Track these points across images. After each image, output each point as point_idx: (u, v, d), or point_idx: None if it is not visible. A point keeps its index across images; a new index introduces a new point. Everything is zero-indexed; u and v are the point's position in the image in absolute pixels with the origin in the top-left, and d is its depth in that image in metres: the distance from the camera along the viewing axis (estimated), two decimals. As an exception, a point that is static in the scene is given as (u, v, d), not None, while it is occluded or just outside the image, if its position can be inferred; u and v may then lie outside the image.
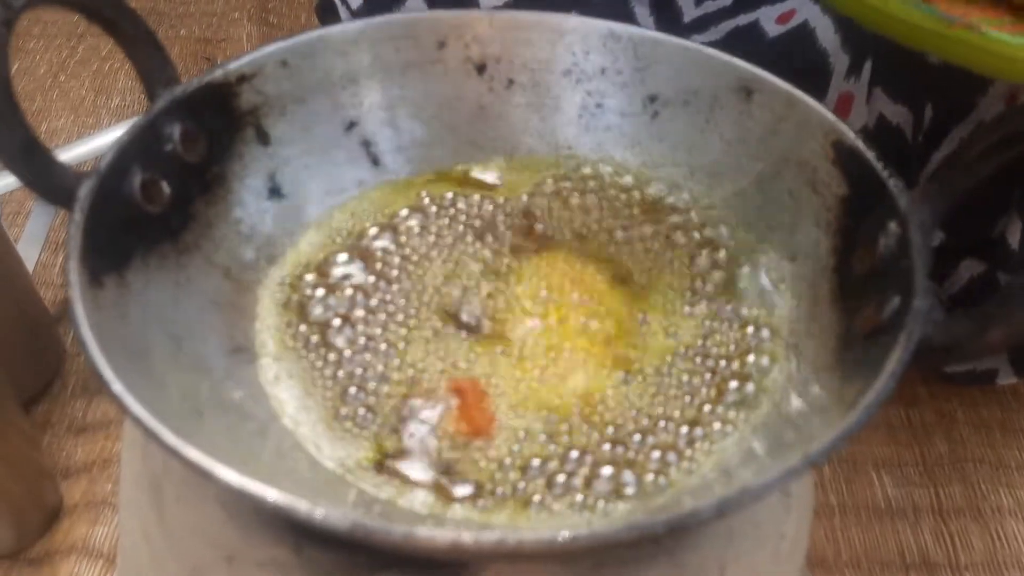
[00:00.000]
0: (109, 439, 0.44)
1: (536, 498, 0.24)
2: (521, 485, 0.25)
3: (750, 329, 0.28)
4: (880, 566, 0.39)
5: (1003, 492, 0.42)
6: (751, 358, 0.27)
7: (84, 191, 0.24)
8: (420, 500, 0.24)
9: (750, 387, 0.26)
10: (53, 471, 0.42)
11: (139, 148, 0.26)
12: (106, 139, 0.43)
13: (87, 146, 0.50)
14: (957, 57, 0.29)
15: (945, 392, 0.45)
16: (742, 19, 0.47)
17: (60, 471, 0.43)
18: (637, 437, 0.26)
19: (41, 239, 0.51)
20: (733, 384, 0.26)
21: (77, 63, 0.68)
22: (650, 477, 0.24)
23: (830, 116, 0.28)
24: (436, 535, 0.18)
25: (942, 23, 0.28)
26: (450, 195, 0.32)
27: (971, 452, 0.43)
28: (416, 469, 0.25)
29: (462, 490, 0.25)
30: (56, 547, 0.40)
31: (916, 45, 0.29)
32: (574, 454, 0.25)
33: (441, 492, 0.25)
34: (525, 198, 0.32)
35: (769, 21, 0.47)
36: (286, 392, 0.26)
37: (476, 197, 0.32)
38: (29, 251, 0.50)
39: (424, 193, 0.32)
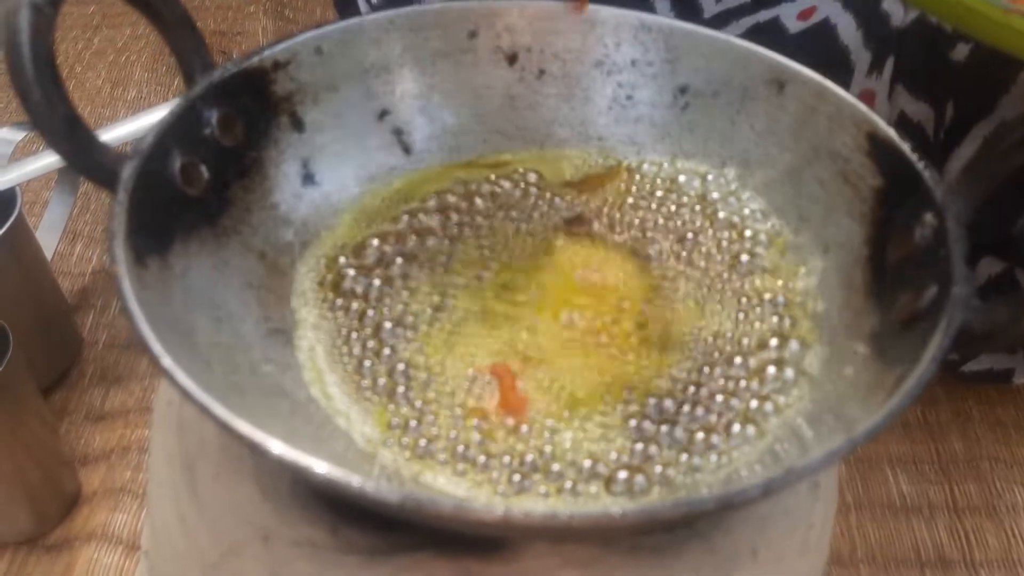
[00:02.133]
0: (127, 427, 0.44)
1: (568, 484, 0.24)
2: (553, 468, 0.25)
3: (785, 317, 0.28)
4: (895, 563, 0.40)
5: (1018, 490, 0.42)
6: (786, 345, 0.27)
7: (127, 172, 0.24)
8: (445, 479, 0.24)
9: (788, 374, 0.26)
10: (71, 458, 0.42)
11: (179, 131, 0.26)
12: (124, 129, 0.43)
13: (107, 135, 0.50)
14: (1011, 46, 0.28)
15: (961, 391, 0.46)
16: (763, 15, 0.47)
17: (78, 458, 0.43)
18: (673, 420, 0.26)
19: (59, 229, 0.51)
20: (770, 370, 0.26)
21: (93, 54, 0.69)
22: (687, 460, 0.25)
23: (862, 107, 0.28)
24: (486, 509, 0.18)
25: (997, 9, 0.27)
26: (480, 181, 0.32)
27: (986, 450, 0.44)
28: (444, 448, 0.25)
29: (493, 471, 0.25)
30: (75, 533, 0.40)
31: (972, 32, 0.29)
32: (606, 438, 0.25)
33: (469, 472, 0.25)
34: (556, 186, 0.33)
35: (790, 17, 0.47)
36: (319, 369, 0.26)
37: (506, 183, 0.32)
38: (47, 241, 0.50)
39: (455, 178, 0.32)
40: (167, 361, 0.20)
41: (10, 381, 0.36)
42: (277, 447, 0.19)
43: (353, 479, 0.18)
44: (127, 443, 0.44)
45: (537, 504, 0.24)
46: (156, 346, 0.20)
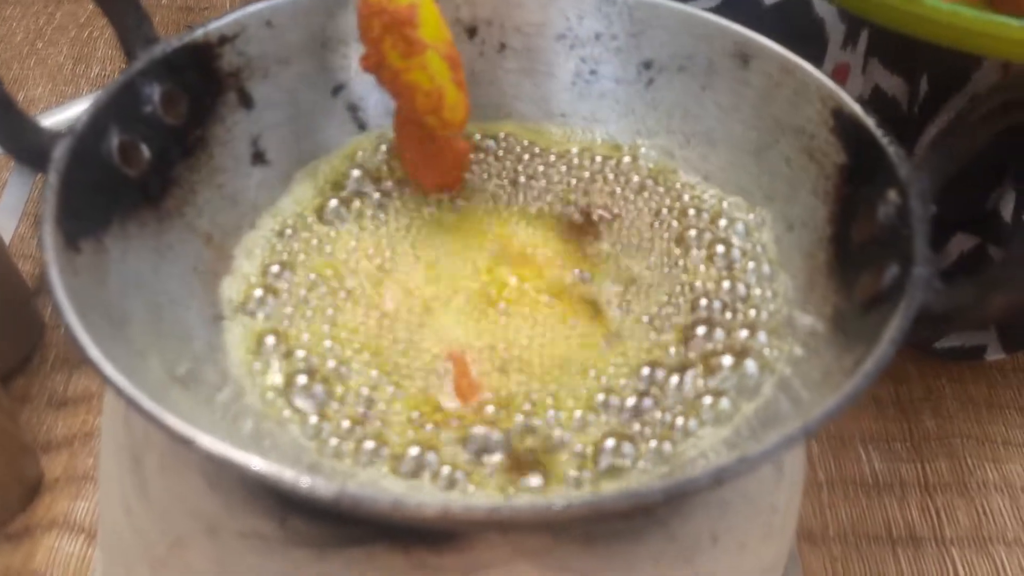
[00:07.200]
0: (90, 413, 0.43)
1: (517, 478, 0.23)
2: (505, 460, 0.24)
3: (748, 297, 0.27)
4: (867, 540, 0.40)
5: (989, 467, 0.42)
6: (746, 329, 0.26)
7: (59, 151, 0.23)
8: (393, 471, 0.23)
9: (748, 359, 0.26)
10: (33, 445, 0.41)
11: (117, 108, 0.25)
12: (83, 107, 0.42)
13: (65, 113, 0.48)
14: (899, 25, 0.28)
15: (933, 368, 0.45)
16: (738, -15, 0.46)
17: (40, 445, 0.42)
18: (628, 408, 0.25)
19: (18, 210, 0.49)
20: (727, 356, 0.26)
21: (55, 30, 0.67)
22: (644, 449, 0.24)
23: (829, 83, 0.27)
24: (424, 504, 0.17)
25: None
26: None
27: (958, 428, 0.43)
28: (393, 437, 0.24)
29: (442, 468, 0.24)
30: (36, 522, 0.39)
31: (861, 14, 0.29)
32: (563, 425, 0.25)
33: (418, 469, 0.24)
34: (512, 160, 0.32)
35: (765, -12, 0.46)
36: (264, 358, 0.25)
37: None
38: (6, 223, 0.49)
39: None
40: (94, 353, 0.19)
41: (-38, 368, 0.36)
42: (208, 442, 0.18)
43: (286, 474, 0.17)
44: (90, 429, 0.43)
45: (491, 495, 0.23)
46: (84, 337, 0.19)
